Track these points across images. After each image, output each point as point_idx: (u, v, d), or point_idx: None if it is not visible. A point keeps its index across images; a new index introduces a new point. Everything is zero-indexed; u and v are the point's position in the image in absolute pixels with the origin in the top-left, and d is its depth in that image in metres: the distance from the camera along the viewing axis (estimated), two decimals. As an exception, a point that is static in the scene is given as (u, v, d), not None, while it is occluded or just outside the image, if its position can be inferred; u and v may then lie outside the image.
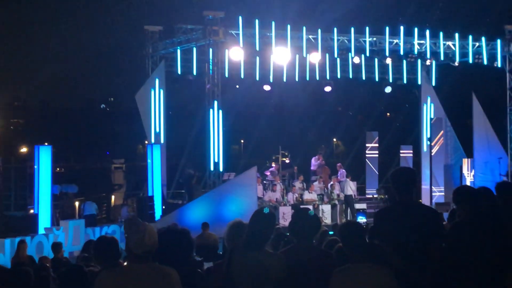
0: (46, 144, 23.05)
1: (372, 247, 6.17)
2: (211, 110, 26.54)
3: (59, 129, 68.83)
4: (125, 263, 5.40)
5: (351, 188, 27.28)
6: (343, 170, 29.39)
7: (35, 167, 20.45)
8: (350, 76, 30.78)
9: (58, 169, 33.01)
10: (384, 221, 6.54)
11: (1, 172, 21.12)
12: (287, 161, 31.21)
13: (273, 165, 29.25)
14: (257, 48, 27.06)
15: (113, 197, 28.14)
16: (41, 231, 19.67)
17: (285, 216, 24.55)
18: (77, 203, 25.05)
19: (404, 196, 6.53)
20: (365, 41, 28.52)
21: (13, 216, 20.08)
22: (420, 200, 27.74)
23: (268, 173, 28.72)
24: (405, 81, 31.64)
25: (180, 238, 5.53)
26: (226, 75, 27.95)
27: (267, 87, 30.62)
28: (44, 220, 20.25)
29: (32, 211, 20.99)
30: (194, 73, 28.58)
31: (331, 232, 15.50)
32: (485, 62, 29.68)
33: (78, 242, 19.42)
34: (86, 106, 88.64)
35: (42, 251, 18.23)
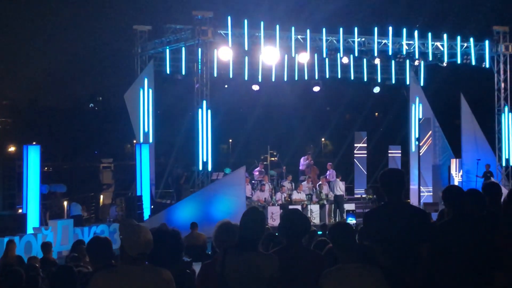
0: (34, 143, 22.98)
1: (362, 247, 6.20)
2: (200, 110, 26.52)
3: (47, 128, 68.64)
4: (119, 264, 5.37)
5: (340, 188, 27.34)
6: (333, 170, 29.42)
7: (24, 166, 20.40)
8: (339, 76, 30.84)
9: (46, 168, 32.94)
10: (373, 222, 6.59)
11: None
12: (276, 160, 31.25)
13: (260, 164, 29.25)
14: (246, 48, 27.08)
15: (101, 196, 28.08)
16: (30, 230, 19.62)
17: (273, 216, 24.58)
18: (65, 203, 24.99)
19: (392, 197, 6.58)
20: (353, 41, 28.58)
21: (1, 216, 20.01)
22: (409, 200, 27.86)
23: (256, 173, 28.73)
24: (393, 81, 31.74)
25: (171, 239, 5.53)
26: (215, 74, 27.99)
27: (255, 87, 30.70)
28: (33, 219, 20.20)
29: (20, 210, 20.93)
30: (183, 72, 28.59)
31: (319, 232, 15.55)
32: (473, 63, 29.78)
33: (67, 242, 19.37)
34: (75, 105, 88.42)
35: (30, 251, 18.18)
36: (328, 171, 29.50)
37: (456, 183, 28.31)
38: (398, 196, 6.61)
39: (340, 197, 27.12)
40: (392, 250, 6.18)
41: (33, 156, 20.52)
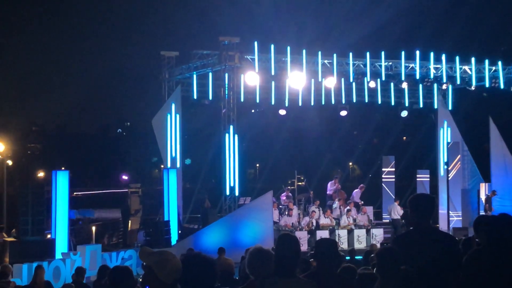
0: (63, 168, 23.15)
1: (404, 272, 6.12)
2: (226, 135, 26.60)
3: (76, 154, 69.22)
4: None
5: (398, 212, 27.01)
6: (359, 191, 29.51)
7: (52, 192, 20.53)
8: (366, 100, 30.77)
9: (75, 193, 33.11)
10: (401, 247, 6.51)
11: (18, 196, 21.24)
12: (303, 185, 31.09)
13: (287, 189, 29.14)
14: (273, 73, 27.16)
15: (129, 221, 28.12)
16: (58, 256, 19.69)
17: (301, 241, 24.40)
18: (93, 228, 25.08)
19: (422, 222, 6.51)
20: (380, 66, 28.56)
21: (30, 241, 20.11)
22: (438, 225, 27.57)
23: (283, 198, 28.62)
24: (421, 105, 31.59)
25: (208, 266, 5.33)
26: (242, 99, 28.07)
27: (282, 112, 30.66)
28: (61, 245, 20.28)
29: (49, 236, 21.03)
30: (210, 97, 28.72)
31: (347, 257, 15.43)
32: (502, 86, 29.60)
33: (95, 267, 19.33)
34: (103, 130, 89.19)
35: (59, 276, 18.23)
36: (357, 190, 29.53)
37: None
38: (428, 221, 6.54)
39: (397, 221, 26.88)
40: (420, 275, 6.10)
41: (61, 182, 20.66)
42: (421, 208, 6.54)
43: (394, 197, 31.09)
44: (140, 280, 5.07)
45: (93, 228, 25.15)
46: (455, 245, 6.59)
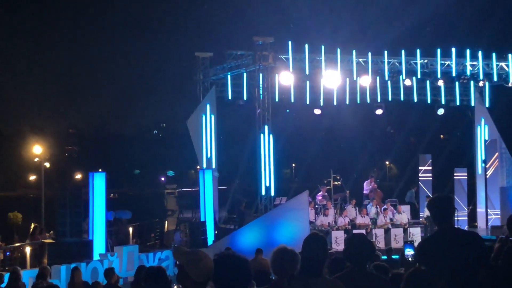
0: (100, 170, 23.36)
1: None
2: (261, 135, 26.58)
3: (112, 155, 69.86)
4: None
5: None
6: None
7: (90, 193, 20.73)
8: (402, 99, 30.47)
9: (112, 195, 33.46)
10: (428, 251, 6.43)
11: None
12: (339, 184, 30.94)
13: (323, 189, 29.02)
14: (307, 72, 27.07)
15: (166, 222, 28.28)
16: (96, 257, 19.88)
17: (337, 240, 24.33)
18: (130, 229, 25.27)
19: (443, 225, 6.42)
20: (416, 63, 28.30)
21: (68, 243, 20.33)
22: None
23: (319, 197, 28.54)
24: (458, 103, 31.15)
25: (243, 265, 5.31)
26: (276, 99, 28.03)
27: (317, 111, 30.50)
28: (99, 246, 20.48)
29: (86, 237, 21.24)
30: (245, 98, 28.68)
31: (384, 257, 15.34)
32: (540, 82, 29.15)
33: (132, 268, 19.46)
34: (139, 132, 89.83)
35: (97, 277, 18.38)
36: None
37: (524, 206, 27.64)
38: (449, 222, 6.46)
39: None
40: (450, 277, 6.02)
41: (98, 183, 20.86)
42: (441, 210, 6.46)
43: (431, 196, 30.78)
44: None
45: (130, 229, 25.34)
46: (479, 241, 6.51)
